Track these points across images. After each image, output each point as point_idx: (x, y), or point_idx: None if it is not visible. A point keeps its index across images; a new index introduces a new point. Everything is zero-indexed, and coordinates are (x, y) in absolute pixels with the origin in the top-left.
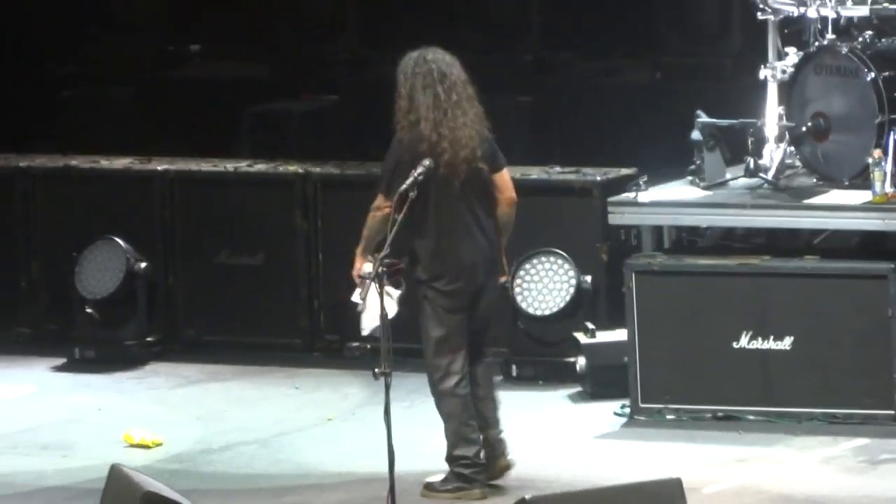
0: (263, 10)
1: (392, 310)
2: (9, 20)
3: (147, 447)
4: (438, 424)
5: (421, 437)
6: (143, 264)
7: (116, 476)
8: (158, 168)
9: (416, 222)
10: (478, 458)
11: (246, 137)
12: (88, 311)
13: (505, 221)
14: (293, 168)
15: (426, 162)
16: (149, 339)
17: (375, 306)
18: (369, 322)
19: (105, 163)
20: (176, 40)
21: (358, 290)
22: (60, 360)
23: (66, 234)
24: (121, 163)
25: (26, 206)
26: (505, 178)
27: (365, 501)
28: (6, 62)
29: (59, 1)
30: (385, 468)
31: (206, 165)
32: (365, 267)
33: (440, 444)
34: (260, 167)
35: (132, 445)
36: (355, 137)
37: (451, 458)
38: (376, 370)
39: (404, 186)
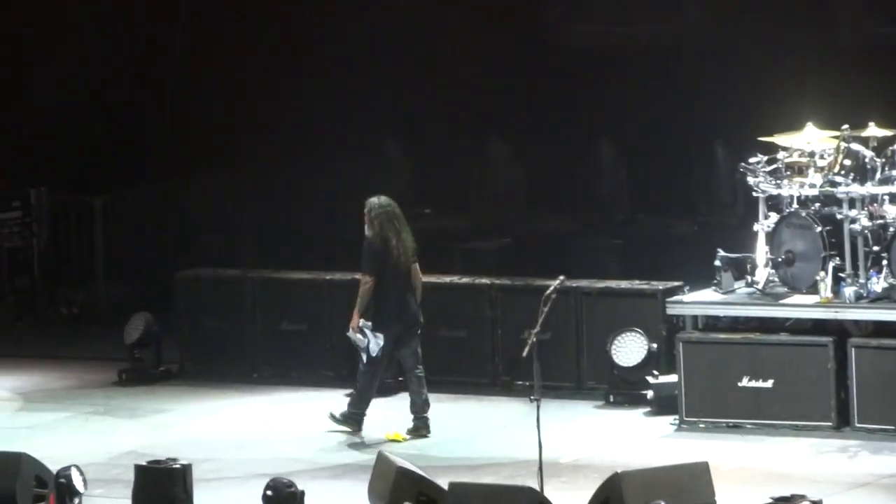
0: (462, 184)
1: (377, 349)
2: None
3: (398, 441)
4: (565, 431)
5: (554, 436)
6: None
7: (381, 457)
8: None
9: (380, 290)
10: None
11: (458, 262)
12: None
13: (417, 286)
14: (485, 280)
15: (561, 277)
16: (400, 378)
17: (366, 342)
18: (374, 351)
19: None
20: (418, 205)
21: (358, 335)
22: (349, 391)
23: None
24: None
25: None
26: (416, 266)
27: (526, 474)
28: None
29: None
30: (535, 455)
31: (433, 278)
32: (360, 322)
33: (564, 442)
34: (464, 279)
35: (390, 440)
36: (518, 263)
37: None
38: (531, 397)
39: (548, 291)
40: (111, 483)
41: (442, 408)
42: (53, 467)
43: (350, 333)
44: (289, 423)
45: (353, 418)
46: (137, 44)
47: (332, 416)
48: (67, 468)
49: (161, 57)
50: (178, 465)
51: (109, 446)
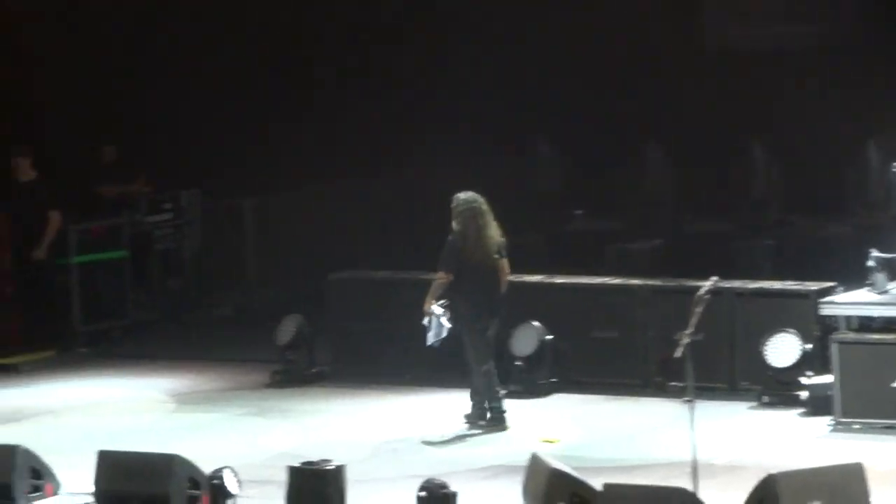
0: (614, 185)
1: (435, 339)
2: None
3: (551, 442)
4: (719, 432)
5: (708, 437)
6: (549, 336)
7: (535, 459)
8: (557, 281)
9: (461, 286)
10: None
11: (609, 263)
12: (518, 363)
13: (504, 281)
14: (637, 281)
15: (714, 278)
16: (552, 380)
17: (435, 329)
18: (431, 339)
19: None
20: (569, 206)
21: (427, 320)
22: (502, 392)
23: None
24: (536, 277)
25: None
26: (504, 262)
27: (679, 475)
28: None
29: None
30: (689, 456)
31: (584, 279)
32: (433, 309)
33: (718, 443)
34: (616, 280)
35: (543, 441)
36: (670, 264)
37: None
38: (685, 398)
39: (701, 292)
40: (264, 484)
41: (595, 409)
42: (207, 469)
43: (425, 316)
44: (441, 425)
45: (496, 416)
46: (288, 52)
47: (467, 419)
48: (221, 469)
49: (310, 64)
50: (331, 467)
51: (262, 448)
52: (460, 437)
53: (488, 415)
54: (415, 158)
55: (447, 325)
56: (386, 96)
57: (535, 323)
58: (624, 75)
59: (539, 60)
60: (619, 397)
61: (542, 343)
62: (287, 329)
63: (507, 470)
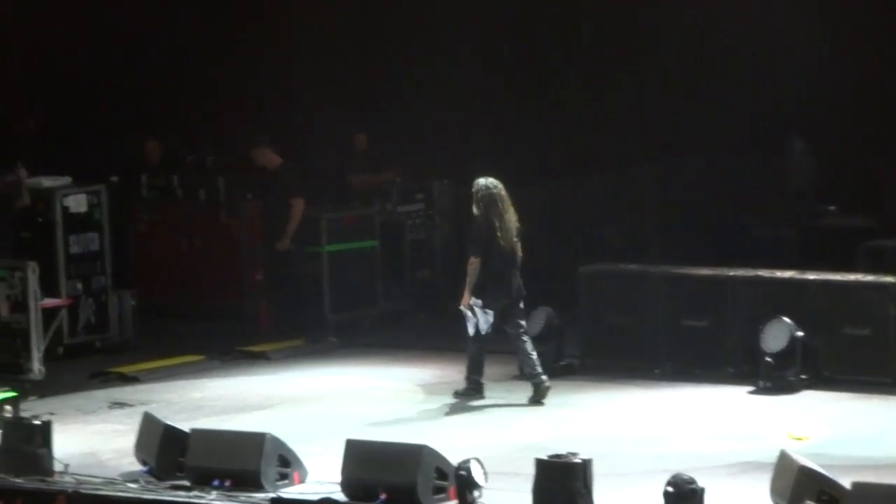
0: (869, 181)
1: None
2: None
3: (800, 440)
4: None
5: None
6: (800, 333)
7: (783, 456)
8: (809, 277)
9: (486, 268)
10: None
11: (861, 259)
12: (768, 359)
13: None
14: (889, 279)
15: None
16: (802, 376)
17: (475, 320)
18: (483, 328)
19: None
20: (820, 201)
21: (469, 313)
22: (751, 388)
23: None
24: (787, 273)
25: (734, 304)
26: (518, 245)
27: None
28: None
29: None
30: None
31: (836, 276)
32: (472, 300)
33: None
34: (869, 278)
35: (792, 438)
36: None
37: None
38: None
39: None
40: (511, 476)
41: (844, 407)
42: (454, 460)
43: (462, 307)
44: (690, 420)
45: (472, 388)
46: (542, 44)
47: (457, 394)
48: (468, 461)
49: (565, 57)
50: (578, 460)
51: (509, 439)
52: (708, 434)
53: (532, 387)
54: (669, 150)
55: (490, 311)
56: (633, 90)
57: (787, 319)
58: (873, 66)
59: (795, 56)
60: (869, 395)
61: (793, 339)
62: (537, 321)
63: (755, 467)
